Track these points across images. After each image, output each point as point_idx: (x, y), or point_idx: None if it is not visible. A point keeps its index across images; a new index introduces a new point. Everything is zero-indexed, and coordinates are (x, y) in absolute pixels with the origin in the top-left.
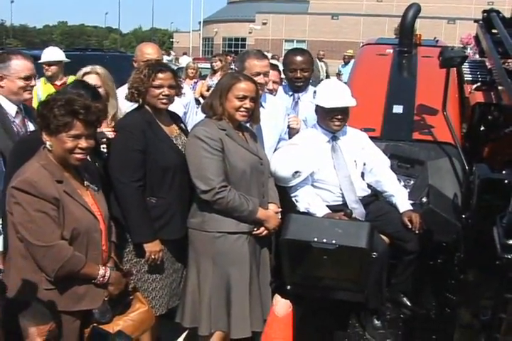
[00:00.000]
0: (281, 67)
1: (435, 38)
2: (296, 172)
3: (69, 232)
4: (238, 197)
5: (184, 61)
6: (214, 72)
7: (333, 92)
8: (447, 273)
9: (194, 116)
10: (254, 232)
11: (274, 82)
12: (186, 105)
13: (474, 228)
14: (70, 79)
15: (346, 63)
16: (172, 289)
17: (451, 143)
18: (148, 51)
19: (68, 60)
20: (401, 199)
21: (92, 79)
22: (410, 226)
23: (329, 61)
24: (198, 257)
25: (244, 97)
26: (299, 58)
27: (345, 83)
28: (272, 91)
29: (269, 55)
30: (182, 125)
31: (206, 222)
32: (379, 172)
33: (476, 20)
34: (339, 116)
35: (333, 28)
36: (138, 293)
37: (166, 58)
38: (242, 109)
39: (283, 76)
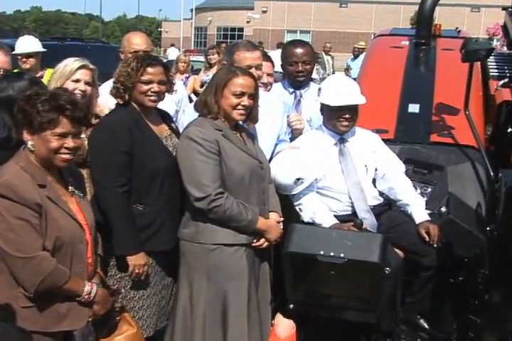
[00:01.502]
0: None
1: (457, 28)
2: (299, 179)
3: (51, 242)
4: (236, 205)
5: (172, 53)
6: (210, 65)
7: (340, 89)
8: (470, 291)
9: (183, 116)
10: (254, 244)
11: (268, 75)
12: (178, 102)
13: (500, 241)
14: (48, 72)
15: (356, 57)
16: (161, 308)
17: (473, 147)
18: (136, 41)
19: (45, 50)
20: (417, 208)
21: (87, 76)
22: (427, 239)
23: (336, 54)
24: (190, 272)
25: (242, 94)
26: (299, 50)
27: (354, 79)
28: (267, 85)
29: (277, 53)
30: (173, 125)
31: (200, 232)
32: (392, 178)
33: (504, 8)
34: (347, 116)
35: (342, 17)
36: (126, 313)
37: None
38: (239, 107)
39: (277, 69)
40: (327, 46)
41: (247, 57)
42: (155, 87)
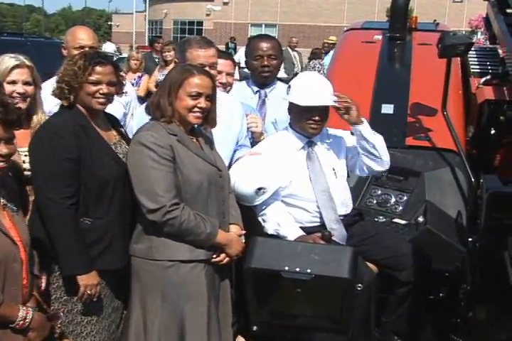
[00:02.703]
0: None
1: (435, 20)
2: (260, 188)
3: None
4: (193, 217)
5: (108, 48)
6: (165, 63)
7: (312, 88)
8: (451, 309)
9: (131, 120)
10: (213, 260)
11: (227, 74)
12: (127, 105)
13: (483, 253)
14: None
15: (326, 53)
16: (110, 333)
17: (452, 150)
18: (82, 36)
19: None
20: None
21: (23, 75)
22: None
23: (306, 50)
24: (143, 292)
25: (199, 95)
26: (264, 44)
27: None
28: (226, 86)
29: None
30: (122, 130)
31: (154, 248)
32: None
33: None
34: (317, 118)
35: (311, 9)
36: (67, 340)
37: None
38: (195, 110)
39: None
40: (293, 41)
41: (200, 55)
42: (104, 89)
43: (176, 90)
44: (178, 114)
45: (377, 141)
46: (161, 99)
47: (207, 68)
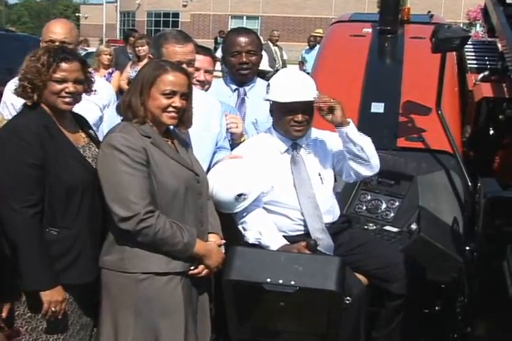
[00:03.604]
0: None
1: (429, 11)
2: (240, 195)
3: None
4: (169, 225)
5: None
6: (138, 59)
7: (292, 83)
8: (447, 323)
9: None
10: (191, 272)
11: (206, 72)
12: (104, 108)
13: (481, 263)
14: None
15: (312, 47)
16: None
17: (448, 152)
18: (55, 29)
19: None
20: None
21: None
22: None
23: (291, 44)
24: (114, 307)
25: (173, 93)
26: (243, 39)
27: (309, 73)
28: (204, 84)
29: None
30: (91, 132)
31: (126, 259)
32: None
33: None
34: (300, 118)
35: None
36: None
37: None
38: (170, 109)
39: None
40: (275, 34)
41: (177, 51)
42: (70, 87)
43: (148, 88)
44: (151, 114)
45: (365, 143)
46: (132, 98)
47: (184, 66)
